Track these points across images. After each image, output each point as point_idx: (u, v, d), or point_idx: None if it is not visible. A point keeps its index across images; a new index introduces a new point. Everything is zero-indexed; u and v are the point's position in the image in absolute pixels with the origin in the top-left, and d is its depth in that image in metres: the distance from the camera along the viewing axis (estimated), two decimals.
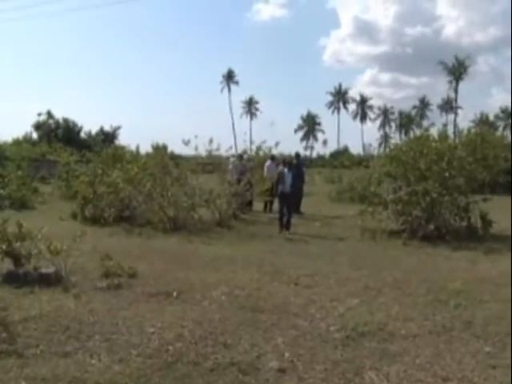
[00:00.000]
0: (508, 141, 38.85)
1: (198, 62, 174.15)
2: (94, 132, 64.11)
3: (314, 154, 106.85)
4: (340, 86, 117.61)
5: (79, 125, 63.66)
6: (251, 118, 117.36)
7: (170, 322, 6.33)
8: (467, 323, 6.52)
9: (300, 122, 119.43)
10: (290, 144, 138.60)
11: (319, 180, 35.96)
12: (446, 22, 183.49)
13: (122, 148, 27.48)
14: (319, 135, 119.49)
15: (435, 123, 15.68)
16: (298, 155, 21.54)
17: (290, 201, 14.83)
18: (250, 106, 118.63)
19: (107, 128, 65.58)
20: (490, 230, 13.74)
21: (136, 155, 21.98)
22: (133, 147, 26.61)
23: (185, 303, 7.20)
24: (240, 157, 19.95)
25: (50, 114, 62.20)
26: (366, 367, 5.13)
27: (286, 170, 14.97)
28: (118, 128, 66.04)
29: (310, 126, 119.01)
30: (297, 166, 19.27)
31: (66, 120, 62.55)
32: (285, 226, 14.37)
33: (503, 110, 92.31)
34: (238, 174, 17.92)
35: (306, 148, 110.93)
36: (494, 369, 5.12)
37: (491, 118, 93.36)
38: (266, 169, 19.74)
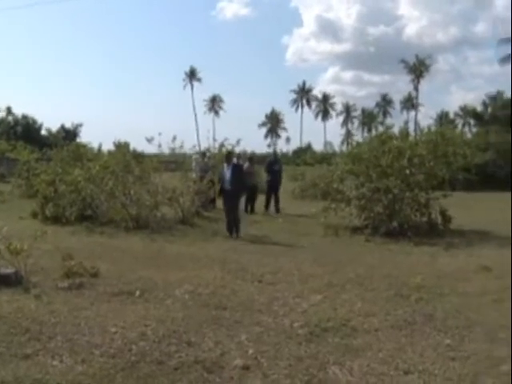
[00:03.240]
0: (467, 138, 39.51)
1: (161, 59, 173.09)
2: (54, 129, 63.10)
3: (277, 152, 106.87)
4: (304, 83, 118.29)
5: (39, 122, 62.64)
6: (215, 116, 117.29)
7: (133, 322, 6.27)
8: (428, 317, 6.63)
9: (264, 119, 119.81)
10: (253, 141, 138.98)
11: (283, 177, 35.98)
12: (408, 21, 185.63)
13: (84, 146, 27.14)
14: (282, 133, 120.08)
15: (394, 124, 15.87)
16: (275, 153, 21.52)
17: (232, 199, 13.45)
18: (214, 103, 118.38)
19: (68, 125, 64.71)
20: (450, 225, 14.01)
21: (98, 153, 21.74)
22: (95, 145, 26.35)
23: (148, 302, 7.15)
24: (203, 154, 19.87)
25: (9, 111, 61.02)
26: (329, 362, 5.17)
27: (225, 164, 13.93)
28: (80, 125, 65.16)
29: (273, 123, 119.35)
30: (273, 163, 19.39)
31: (25, 117, 61.39)
32: (234, 228, 13.27)
33: (462, 108, 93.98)
34: (200, 172, 17.86)
35: (269, 145, 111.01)
36: (454, 360, 5.22)
37: (451, 115, 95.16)
38: None
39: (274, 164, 19.76)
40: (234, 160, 19.06)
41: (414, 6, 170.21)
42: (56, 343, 5.55)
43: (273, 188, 19.09)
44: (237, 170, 13.73)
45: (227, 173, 13.51)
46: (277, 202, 18.93)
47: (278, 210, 18.71)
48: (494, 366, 5.07)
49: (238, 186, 13.45)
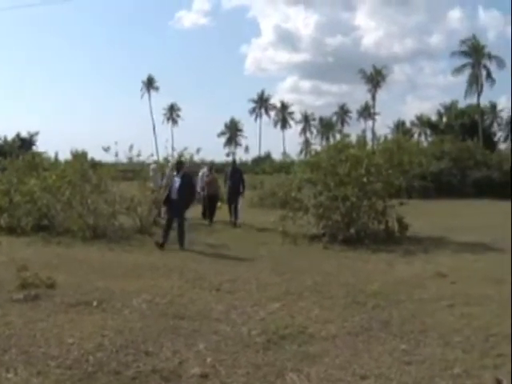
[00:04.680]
0: (423, 146, 40.25)
1: (119, 68, 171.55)
2: (10, 138, 61.95)
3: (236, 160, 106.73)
4: (262, 93, 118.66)
5: None
6: (173, 125, 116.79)
7: (90, 332, 6.20)
8: (384, 323, 6.73)
9: (223, 128, 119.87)
10: (213, 150, 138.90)
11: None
12: (365, 32, 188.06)
13: (40, 155, 26.71)
14: (242, 141, 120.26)
15: (351, 134, 16.14)
16: (234, 162, 21.22)
17: (177, 210, 12.98)
18: (172, 112, 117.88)
19: (24, 134, 63.64)
20: (407, 232, 14.24)
21: (54, 162, 21.41)
22: (51, 154, 25.92)
23: (105, 312, 7.07)
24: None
25: None
26: (287, 369, 5.19)
27: (175, 173, 13.60)
28: (36, 134, 64.22)
29: (232, 132, 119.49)
30: (232, 174, 18.86)
31: None
32: (178, 240, 12.72)
33: (418, 117, 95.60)
34: (160, 181, 17.58)
35: (227, 154, 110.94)
36: (410, 365, 5.31)
37: (408, 124, 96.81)
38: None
39: (233, 174, 18.77)
40: (205, 170, 19.00)
41: (370, 17, 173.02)
42: (11, 356, 5.44)
43: (231, 199, 18.30)
44: (187, 179, 13.31)
45: (176, 182, 13.13)
46: (235, 212, 18.18)
47: (233, 222, 17.88)
48: (448, 369, 5.18)
49: (186, 196, 13.09)
